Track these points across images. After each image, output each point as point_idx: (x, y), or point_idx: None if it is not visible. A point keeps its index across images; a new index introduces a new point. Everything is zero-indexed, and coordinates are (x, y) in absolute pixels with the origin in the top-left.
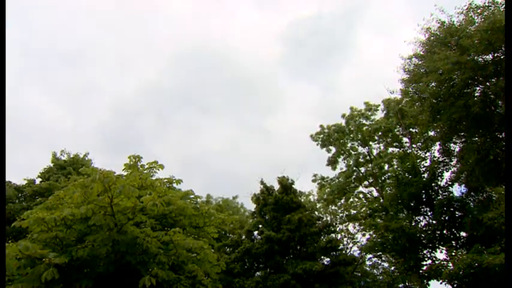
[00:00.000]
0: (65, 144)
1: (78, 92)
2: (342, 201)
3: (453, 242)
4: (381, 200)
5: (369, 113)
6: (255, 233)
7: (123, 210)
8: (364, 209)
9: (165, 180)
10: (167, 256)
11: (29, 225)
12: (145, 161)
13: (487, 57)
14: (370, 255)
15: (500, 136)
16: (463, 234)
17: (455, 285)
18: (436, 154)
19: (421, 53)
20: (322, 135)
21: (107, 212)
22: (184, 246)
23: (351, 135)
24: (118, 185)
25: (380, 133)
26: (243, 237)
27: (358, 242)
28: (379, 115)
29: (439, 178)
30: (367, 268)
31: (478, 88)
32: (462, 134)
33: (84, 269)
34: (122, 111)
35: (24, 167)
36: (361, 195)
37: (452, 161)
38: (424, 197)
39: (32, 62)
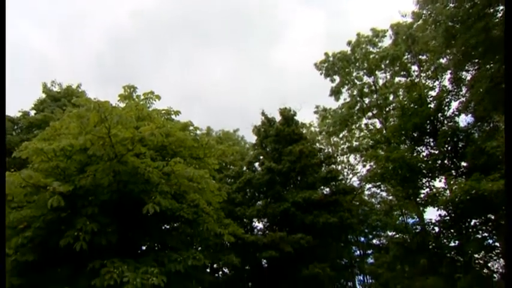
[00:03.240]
0: (58, 77)
1: (70, 22)
2: (344, 132)
3: (453, 172)
4: (384, 132)
5: (376, 40)
6: (256, 164)
7: (122, 141)
8: (366, 140)
9: (163, 111)
10: (169, 185)
11: (28, 155)
12: (141, 92)
13: None
14: (369, 185)
15: None
16: (463, 164)
17: (450, 211)
18: (446, 83)
19: None
20: (326, 64)
21: (106, 143)
22: (185, 176)
23: (357, 64)
24: (114, 115)
25: (387, 61)
26: (244, 168)
27: (358, 172)
28: (387, 42)
29: (445, 108)
30: (366, 197)
31: (501, 8)
32: (476, 60)
33: (88, 197)
34: (116, 43)
35: (18, 100)
36: (363, 127)
37: (461, 91)
38: (428, 127)
39: None
